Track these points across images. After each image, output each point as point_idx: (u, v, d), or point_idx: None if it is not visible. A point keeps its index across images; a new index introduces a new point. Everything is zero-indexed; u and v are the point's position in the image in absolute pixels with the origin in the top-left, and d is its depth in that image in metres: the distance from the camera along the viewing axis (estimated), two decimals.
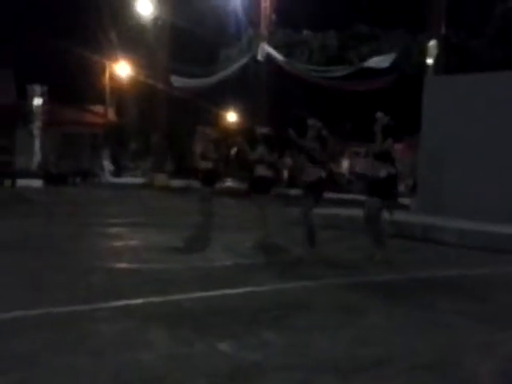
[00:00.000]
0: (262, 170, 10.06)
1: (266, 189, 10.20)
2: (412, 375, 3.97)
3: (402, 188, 26.30)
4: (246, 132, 13.87)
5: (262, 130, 10.56)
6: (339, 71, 26.37)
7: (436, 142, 13.99)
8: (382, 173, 8.68)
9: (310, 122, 9.13)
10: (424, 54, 24.93)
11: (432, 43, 24.31)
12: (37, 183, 31.11)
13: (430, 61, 24.28)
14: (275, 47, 29.35)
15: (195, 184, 11.68)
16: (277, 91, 29.76)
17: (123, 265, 7.68)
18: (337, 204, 17.36)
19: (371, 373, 3.98)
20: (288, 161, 26.85)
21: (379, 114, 8.83)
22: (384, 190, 8.75)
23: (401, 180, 26.34)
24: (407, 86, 25.55)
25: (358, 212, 13.35)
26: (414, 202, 16.10)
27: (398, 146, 28.04)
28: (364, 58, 26.77)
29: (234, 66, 30.16)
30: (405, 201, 18.07)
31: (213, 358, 4.12)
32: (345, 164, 32.63)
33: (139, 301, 5.65)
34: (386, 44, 29.95)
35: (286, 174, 28.80)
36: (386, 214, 9.04)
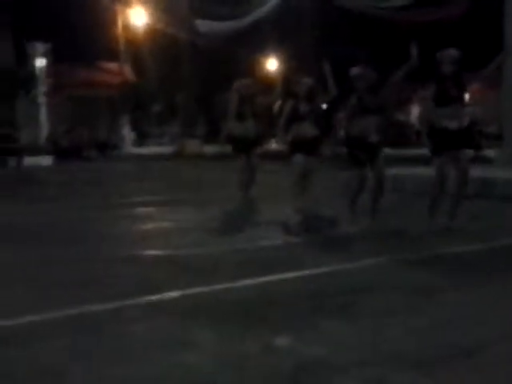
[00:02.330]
0: (306, 128, 10.01)
1: (313, 149, 10.15)
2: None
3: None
4: (287, 83, 13.80)
5: (306, 80, 10.45)
6: (399, 0, 25.96)
7: None
8: (466, 120, 8.74)
9: (354, 71, 9.05)
10: None
11: None
12: (47, 160, 31.53)
13: None
14: None
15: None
16: (324, 28, 29.43)
17: (155, 252, 7.74)
18: (404, 162, 17.23)
19: (459, 366, 3.90)
20: (342, 115, 26.60)
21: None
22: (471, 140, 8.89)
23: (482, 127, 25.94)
24: (483, 12, 25.00)
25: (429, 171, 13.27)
26: (498, 154, 15.83)
27: (474, 86, 27.52)
28: None
29: (271, 3, 29.87)
30: (488, 153, 17.85)
31: (269, 357, 4.11)
32: (414, 112, 31.97)
33: (177, 293, 5.67)
34: None
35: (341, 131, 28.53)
36: None
